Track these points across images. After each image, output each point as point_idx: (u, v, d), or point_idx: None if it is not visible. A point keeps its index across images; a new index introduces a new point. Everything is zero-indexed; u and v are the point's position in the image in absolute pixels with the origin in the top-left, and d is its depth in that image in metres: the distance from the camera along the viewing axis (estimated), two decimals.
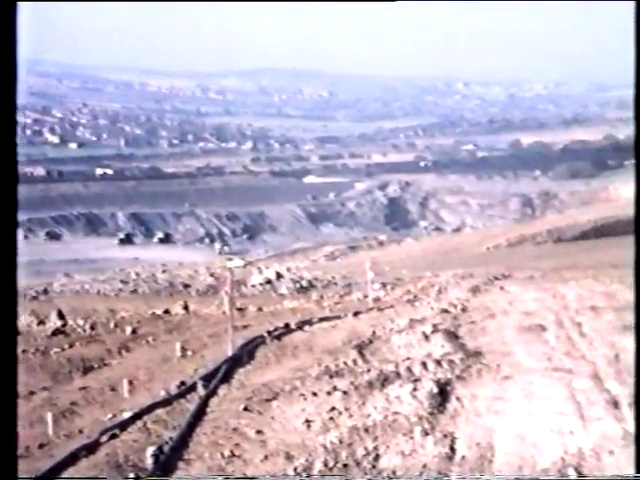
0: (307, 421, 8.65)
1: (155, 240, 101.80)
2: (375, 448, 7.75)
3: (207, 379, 11.22)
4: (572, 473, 6.52)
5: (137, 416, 9.33)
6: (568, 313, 13.50)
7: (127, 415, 9.39)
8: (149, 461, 7.67)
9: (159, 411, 9.52)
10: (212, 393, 10.50)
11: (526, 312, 14.45)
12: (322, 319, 17.73)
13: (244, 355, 13.22)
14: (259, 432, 8.38)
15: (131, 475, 7.49)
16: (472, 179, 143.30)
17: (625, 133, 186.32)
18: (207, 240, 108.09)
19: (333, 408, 9.01)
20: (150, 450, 7.83)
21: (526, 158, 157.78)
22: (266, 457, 7.67)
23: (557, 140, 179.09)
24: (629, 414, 7.72)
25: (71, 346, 17.09)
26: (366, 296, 21.52)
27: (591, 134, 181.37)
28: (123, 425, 9.09)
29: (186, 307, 22.15)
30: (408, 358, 11.45)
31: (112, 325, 19.47)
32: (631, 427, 7.41)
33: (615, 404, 8.05)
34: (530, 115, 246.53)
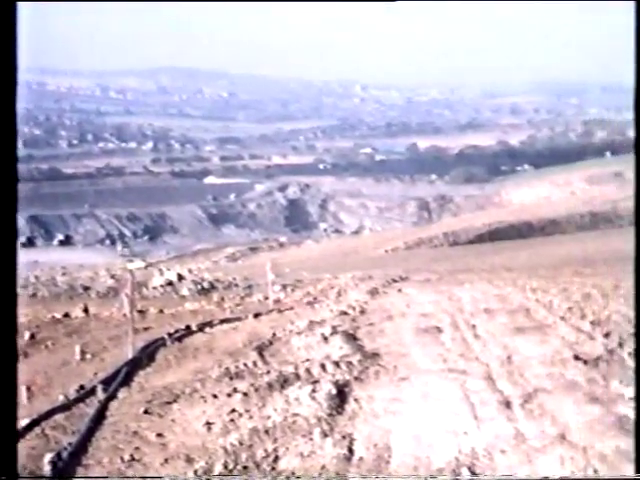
0: (207, 423, 8.60)
1: (55, 242, 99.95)
2: (275, 450, 7.75)
3: (107, 382, 11.04)
4: (465, 473, 6.64)
5: (35, 423, 9.12)
6: (463, 315, 13.73)
7: (24, 422, 9.17)
8: (47, 468, 7.52)
9: (58, 416, 9.33)
10: (112, 397, 10.34)
11: (423, 314, 14.65)
12: (223, 321, 17.66)
13: (144, 358, 13.06)
14: (159, 435, 8.30)
15: None
16: (370, 182, 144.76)
17: (517, 139, 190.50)
18: (108, 242, 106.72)
19: (233, 410, 8.98)
20: (48, 457, 7.67)
21: (423, 162, 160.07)
22: (166, 460, 7.60)
23: (452, 145, 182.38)
24: (520, 414, 7.91)
25: None
26: (267, 298, 21.54)
27: (484, 139, 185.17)
28: (20, 433, 8.88)
29: (86, 310, 21.77)
30: (307, 360, 11.47)
31: None
32: (522, 426, 7.59)
33: (507, 404, 8.22)
34: (426, 119, 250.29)
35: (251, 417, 8.70)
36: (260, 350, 12.61)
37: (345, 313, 16.31)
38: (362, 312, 16.29)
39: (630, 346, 9.96)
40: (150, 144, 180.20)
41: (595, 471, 6.47)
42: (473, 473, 6.63)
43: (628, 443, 6.88)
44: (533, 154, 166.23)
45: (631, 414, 7.58)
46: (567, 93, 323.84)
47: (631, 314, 11.93)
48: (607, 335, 10.64)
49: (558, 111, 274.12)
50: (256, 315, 18.08)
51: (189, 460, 7.55)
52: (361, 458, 7.35)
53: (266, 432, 8.19)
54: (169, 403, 9.47)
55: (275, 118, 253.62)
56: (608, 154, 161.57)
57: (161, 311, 20.78)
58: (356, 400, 9.11)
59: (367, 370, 10.49)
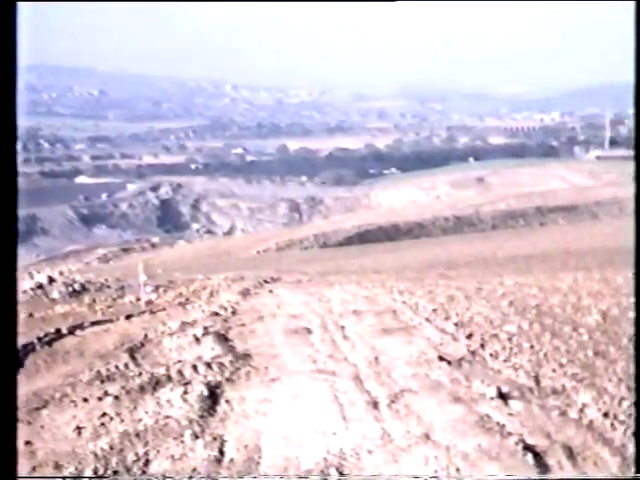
0: (78, 428, 8.43)
1: None
2: (146, 453, 7.66)
3: None
4: (334, 473, 6.71)
5: None
6: (332, 316, 13.85)
7: None
8: None
9: None
10: None
11: (293, 315, 14.70)
12: (94, 323, 17.26)
13: None
14: (28, 443, 8.09)
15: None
16: (242, 183, 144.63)
17: (384, 142, 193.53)
18: None
19: (104, 414, 8.82)
20: None
21: (293, 163, 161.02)
22: (34, 468, 7.42)
23: (322, 147, 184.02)
24: (387, 414, 8.04)
25: None
26: (139, 299, 21.21)
27: (353, 142, 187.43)
28: None
29: None
30: (179, 361, 11.36)
31: None
32: (389, 426, 7.72)
33: (375, 405, 8.35)
34: (296, 121, 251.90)
35: (122, 420, 8.58)
36: (132, 352, 12.42)
37: (217, 314, 16.22)
38: (234, 313, 16.23)
39: (491, 347, 10.26)
40: (19, 144, 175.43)
41: (457, 470, 6.65)
42: (341, 473, 6.71)
43: (489, 442, 7.10)
44: (400, 158, 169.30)
45: (492, 413, 7.82)
46: (431, 99, 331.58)
47: (492, 315, 12.31)
48: (469, 336, 10.92)
49: (423, 116, 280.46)
50: (128, 317, 17.78)
51: (58, 467, 7.39)
52: (232, 459, 7.35)
53: (137, 435, 8.09)
54: (38, 409, 9.23)
55: (146, 117, 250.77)
56: (471, 159, 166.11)
57: (31, 315, 20.16)
58: (227, 401, 9.09)
59: (238, 371, 10.47)
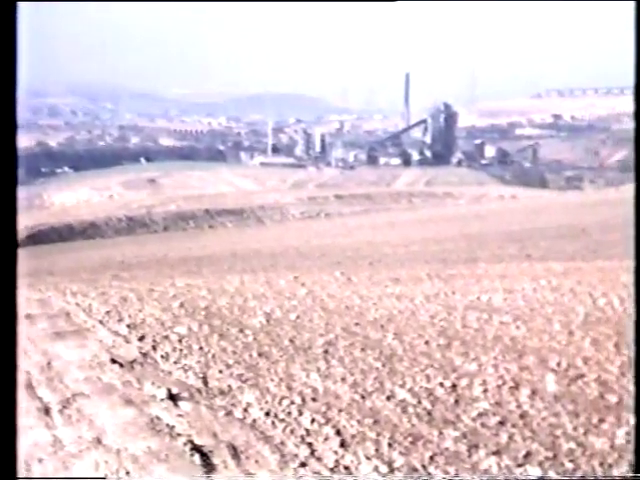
0: None
1: None
2: None
3: None
4: None
5: None
6: None
7: None
8: None
9: None
10: None
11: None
12: None
13: None
14: None
15: None
16: None
17: (56, 140, 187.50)
18: None
19: None
20: None
21: None
22: None
23: None
24: (59, 420, 7.84)
25: None
26: None
27: (25, 140, 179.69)
28: None
29: None
30: None
31: None
32: (60, 433, 7.53)
33: (47, 411, 8.11)
34: None
35: None
36: None
37: None
38: None
39: (162, 349, 10.31)
40: None
41: (127, 473, 6.62)
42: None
43: (158, 443, 7.14)
44: (73, 157, 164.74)
45: (162, 415, 7.86)
46: (102, 97, 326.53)
47: (164, 317, 12.35)
48: (142, 338, 10.90)
49: (95, 114, 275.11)
50: None
51: None
52: None
53: None
54: None
55: None
56: (143, 160, 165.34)
57: None
58: None
59: None
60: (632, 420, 6.80)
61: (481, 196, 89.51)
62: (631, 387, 7.53)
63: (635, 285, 7.23)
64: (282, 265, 24.50)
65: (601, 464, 6.18)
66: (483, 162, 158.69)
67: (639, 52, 6.06)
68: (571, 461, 6.27)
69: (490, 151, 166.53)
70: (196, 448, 6.99)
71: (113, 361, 9.85)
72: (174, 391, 8.52)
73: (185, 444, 7.09)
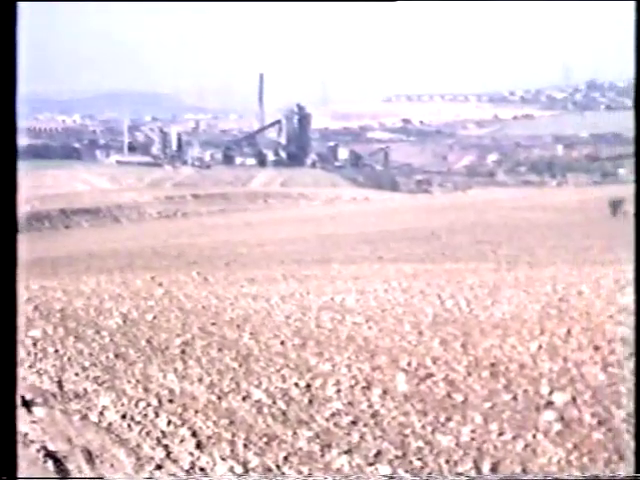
0: None
1: None
2: None
3: None
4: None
5: None
6: None
7: None
8: None
9: None
10: None
11: None
12: None
13: None
14: None
15: None
16: None
17: None
18: None
19: None
20: None
21: None
22: None
23: None
24: None
25: None
26: None
27: None
28: None
29: None
30: None
31: None
32: None
33: None
34: None
35: None
36: None
37: None
38: None
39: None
40: None
41: None
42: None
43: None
44: None
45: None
46: None
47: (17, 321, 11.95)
48: None
49: None
50: None
51: None
52: None
53: None
54: None
55: None
56: None
57: None
58: None
59: None
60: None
61: (335, 198, 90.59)
62: (477, 386, 7.82)
63: (635, 285, 7.01)
64: (139, 265, 24.17)
65: (447, 462, 6.40)
66: (337, 164, 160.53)
67: (639, 52, 6.03)
68: (419, 459, 6.48)
69: (343, 153, 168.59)
70: (50, 454, 6.83)
71: None
72: (28, 397, 8.28)
73: (38, 451, 6.91)
